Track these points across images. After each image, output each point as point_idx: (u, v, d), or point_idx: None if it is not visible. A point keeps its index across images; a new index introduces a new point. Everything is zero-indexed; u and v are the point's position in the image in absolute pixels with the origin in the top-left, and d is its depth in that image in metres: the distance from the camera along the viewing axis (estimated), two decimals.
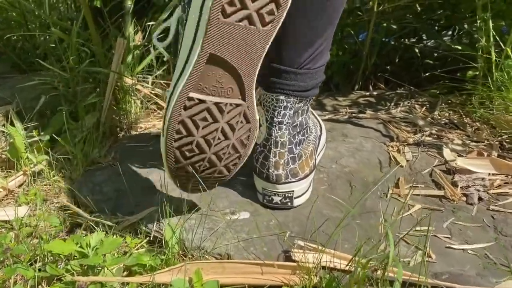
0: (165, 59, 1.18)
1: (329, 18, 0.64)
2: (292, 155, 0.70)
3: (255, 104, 0.61)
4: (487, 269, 0.63)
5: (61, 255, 0.62)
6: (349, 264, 0.55)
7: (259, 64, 0.57)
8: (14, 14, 1.52)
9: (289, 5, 0.54)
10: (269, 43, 0.56)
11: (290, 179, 0.70)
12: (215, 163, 0.62)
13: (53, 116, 1.03)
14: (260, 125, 0.72)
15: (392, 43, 1.45)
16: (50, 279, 0.60)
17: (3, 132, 0.97)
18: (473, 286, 0.57)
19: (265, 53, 0.57)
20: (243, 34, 0.53)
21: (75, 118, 1.03)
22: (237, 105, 0.58)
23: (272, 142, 0.70)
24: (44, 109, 1.06)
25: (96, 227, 0.71)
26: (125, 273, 0.61)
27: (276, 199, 0.71)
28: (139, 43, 1.12)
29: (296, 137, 0.71)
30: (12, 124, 0.97)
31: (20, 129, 0.95)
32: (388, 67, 1.50)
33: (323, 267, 0.57)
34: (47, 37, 1.43)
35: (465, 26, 1.32)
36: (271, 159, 0.70)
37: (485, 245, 0.67)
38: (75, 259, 0.61)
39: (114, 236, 0.67)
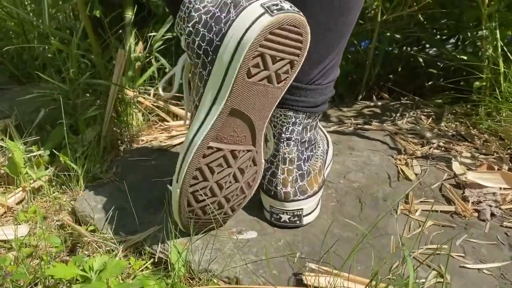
0: (166, 70, 1.16)
1: (341, 34, 0.62)
2: (300, 172, 0.68)
3: (262, 148, 0.64)
4: None
5: (63, 280, 0.60)
6: None
7: (270, 113, 0.61)
8: (12, 24, 1.50)
9: (301, 65, 0.58)
10: (281, 96, 0.60)
11: (299, 196, 0.68)
12: (223, 205, 0.64)
13: (52, 130, 1.00)
14: (268, 141, 0.70)
15: (395, 52, 1.43)
16: None
17: (2, 147, 0.95)
18: None
19: (276, 104, 0.61)
20: (261, 90, 0.57)
21: (76, 132, 1.01)
22: (248, 150, 0.62)
23: (280, 159, 0.68)
24: (43, 122, 1.04)
25: (98, 247, 0.69)
26: None
27: (285, 217, 0.69)
28: (140, 55, 1.10)
29: (305, 153, 0.69)
30: (11, 138, 0.95)
31: (19, 143, 0.93)
32: (391, 76, 1.49)
33: None
34: (46, 47, 1.41)
35: (469, 35, 1.31)
36: (279, 176, 0.68)
37: (500, 265, 0.65)
38: (78, 283, 0.59)
39: (118, 258, 0.65)
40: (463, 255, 0.67)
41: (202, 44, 0.57)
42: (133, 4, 1.12)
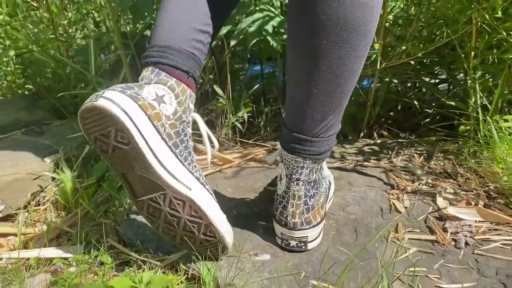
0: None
1: (340, 100, 0.79)
2: (306, 206, 0.84)
3: (180, 188, 0.77)
4: None
5: None
6: None
7: (154, 161, 0.76)
8: (53, 64, 1.69)
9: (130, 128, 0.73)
10: (145, 150, 0.74)
11: (305, 226, 0.84)
12: (191, 236, 0.80)
13: (96, 164, 1.18)
14: (281, 179, 0.87)
15: (395, 92, 1.60)
16: None
17: (55, 178, 1.12)
18: None
19: (148, 155, 0.75)
20: (121, 154, 0.74)
21: None
22: (163, 194, 0.77)
23: (290, 195, 0.84)
24: (87, 156, 1.22)
25: (142, 265, 0.85)
26: None
27: (293, 243, 0.84)
28: None
29: (311, 191, 0.85)
30: (62, 170, 1.12)
31: (69, 175, 1.10)
32: (392, 113, 1.66)
33: None
34: (82, 85, 1.60)
35: (460, 82, 1.47)
36: (289, 209, 0.84)
37: (468, 285, 0.80)
38: None
39: (159, 273, 0.81)
40: (438, 276, 0.82)
41: None
42: None
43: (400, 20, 1.60)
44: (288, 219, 0.84)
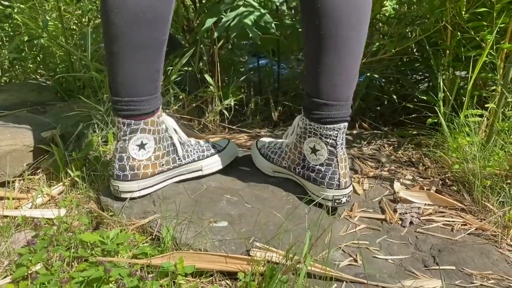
0: (180, 97, 1.44)
1: None
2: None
3: None
4: (398, 273, 0.84)
5: (88, 244, 0.86)
6: (283, 258, 0.78)
7: None
8: (60, 52, 1.81)
9: None
10: None
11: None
12: None
13: (88, 140, 1.29)
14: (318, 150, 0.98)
15: (378, 89, 1.68)
16: (80, 259, 0.84)
17: (49, 151, 1.24)
18: (380, 283, 0.79)
19: None
20: None
21: (106, 142, 1.29)
22: None
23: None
24: (81, 133, 1.33)
25: (114, 227, 0.96)
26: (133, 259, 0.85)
27: (343, 199, 0.97)
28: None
29: None
30: (56, 145, 1.24)
31: (62, 149, 1.22)
32: (378, 107, 1.74)
33: (268, 261, 0.80)
34: (85, 70, 1.72)
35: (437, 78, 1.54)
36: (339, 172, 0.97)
37: (402, 257, 0.89)
38: (98, 247, 0.85)
39: (126, 232, 0.92)
40: (378, 249, 0.91)
41: None
42: None
43: (394, 19, 1.68)
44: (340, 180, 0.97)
